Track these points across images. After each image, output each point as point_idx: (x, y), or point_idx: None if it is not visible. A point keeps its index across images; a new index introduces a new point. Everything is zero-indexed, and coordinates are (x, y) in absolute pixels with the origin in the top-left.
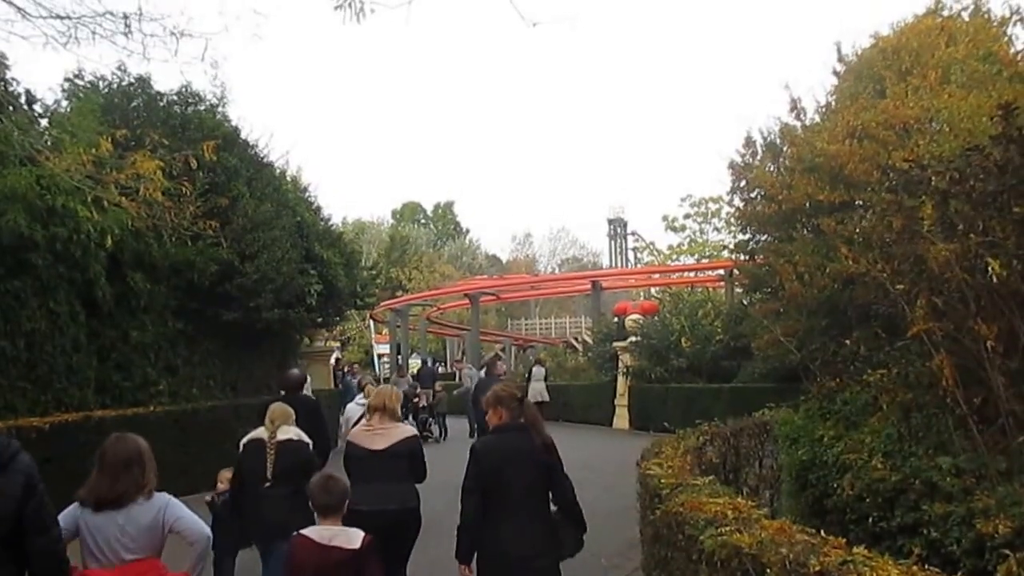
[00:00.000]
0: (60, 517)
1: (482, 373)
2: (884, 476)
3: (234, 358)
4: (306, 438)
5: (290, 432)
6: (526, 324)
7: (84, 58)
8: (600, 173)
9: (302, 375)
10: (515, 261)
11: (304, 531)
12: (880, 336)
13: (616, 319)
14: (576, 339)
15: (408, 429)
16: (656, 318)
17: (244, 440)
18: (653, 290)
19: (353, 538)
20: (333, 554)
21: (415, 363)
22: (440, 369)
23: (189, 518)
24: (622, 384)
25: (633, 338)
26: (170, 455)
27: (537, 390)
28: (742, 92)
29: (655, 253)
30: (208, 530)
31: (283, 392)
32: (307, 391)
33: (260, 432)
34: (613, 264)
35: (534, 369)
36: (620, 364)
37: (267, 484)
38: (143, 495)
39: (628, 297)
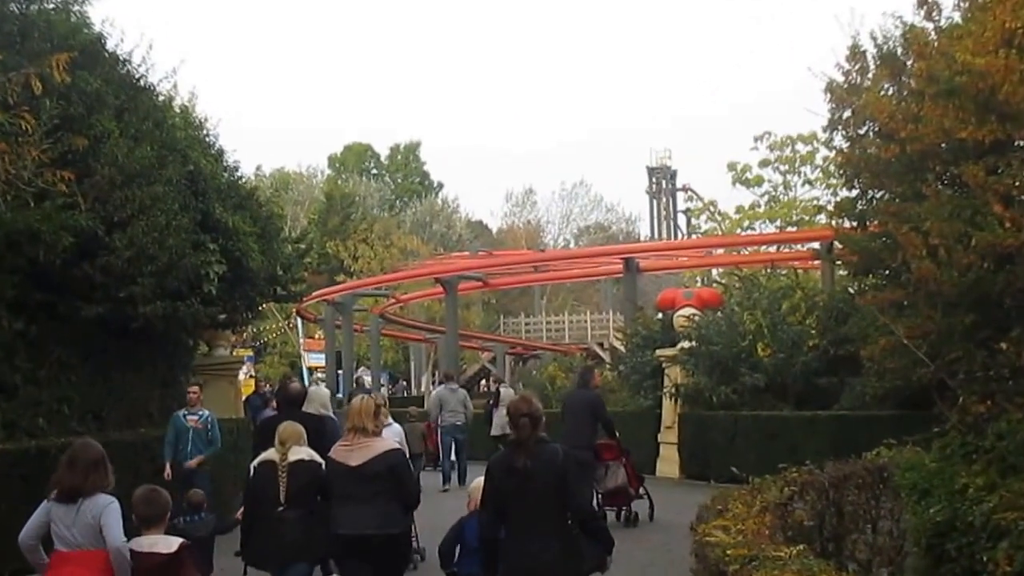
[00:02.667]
0: (37, 510)
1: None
2: None
3: (99, 373)
4: (318, 458)
5: (302, 452)
6: (527, 324)
7: None
8: (633, 101)
9: (302, 388)
10: (511, 231)
11: (128, 543)
12: None
13: (660, 315)
14: (601, 345)
15: (387, 442)
16: (720, 314)
17: (254, 463)
18: (715, 272)
19: (171, 544)
20: (153, 559)
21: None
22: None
23: (111, 527)
24: (669, 411)
25: (685, 343)
26: (6, 518)
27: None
28: None
29: (717, 218)
30: (120, 545)
31: (277, 409)
32: (316, 407)
33: (271, 454)
34: (655, 235)
35: (501, 390)
36: (667, 382)
37: (280, 507)
38: (101, 492)
39: (677, 283)
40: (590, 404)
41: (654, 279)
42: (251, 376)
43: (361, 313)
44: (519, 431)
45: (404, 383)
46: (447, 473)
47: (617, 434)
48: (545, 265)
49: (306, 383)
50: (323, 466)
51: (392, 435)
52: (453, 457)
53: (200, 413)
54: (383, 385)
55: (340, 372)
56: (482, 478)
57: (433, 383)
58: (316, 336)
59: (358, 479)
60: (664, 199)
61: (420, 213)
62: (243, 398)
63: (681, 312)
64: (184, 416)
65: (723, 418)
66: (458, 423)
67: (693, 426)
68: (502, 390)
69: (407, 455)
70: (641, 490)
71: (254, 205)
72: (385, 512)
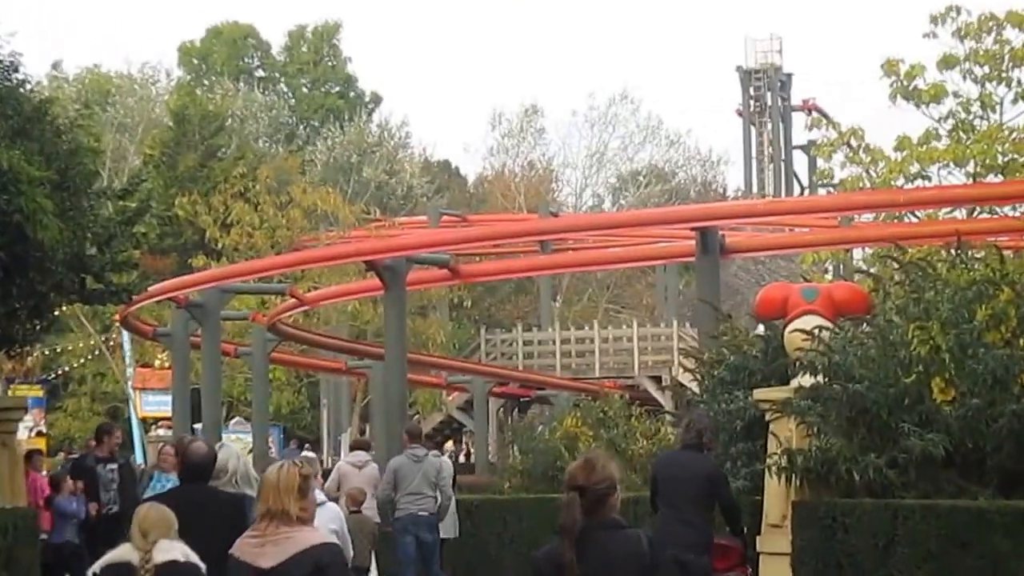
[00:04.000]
0: None
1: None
2: None
3: None
4: (196, 559)
5: (174, 551)
6: (528, 343)
7: None
8: None
9: (211, 452)
10: (499, 180)
11: None
12: None
13: (762, 329)
14: (658, 381)
15: (317, 534)
16: (866, 327)
17: (97, 568)
18: (857, 254)
19: None
20: None
21: (237, 443)
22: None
23: None
24: (777, 497)
25: (805, 379)
26: None
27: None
28: None
29: (862, 158)
30: None
31: (180, 478)
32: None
33: (124, 552)
34: (752, 188)
35: (439, 463)
36: (772, 445)
37: None
38: None
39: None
40: (706, 478)
41: (750, 266)
42: (38, 432)
43: (237, 324)
44: (564, 511)
45: (308, 447)
46: None
47: (744, 529)
48: (559, 241)
49: (139, 453)
50: (205, 570)
51: (327, 520)
52: None
53: None
54: (303, 445)
55: (198, 426)
56: None
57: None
58: (156, 363)
59: None
60: (768, 125)
61: (341, 148)
62: (41, 470)
63: (798, 324)
64: None
65: (872, 512)
66: (423, 513)
67: (819, 524)
68: (442, 463)
69: (346, 557)
70: None
71: (47, 132)
72: None
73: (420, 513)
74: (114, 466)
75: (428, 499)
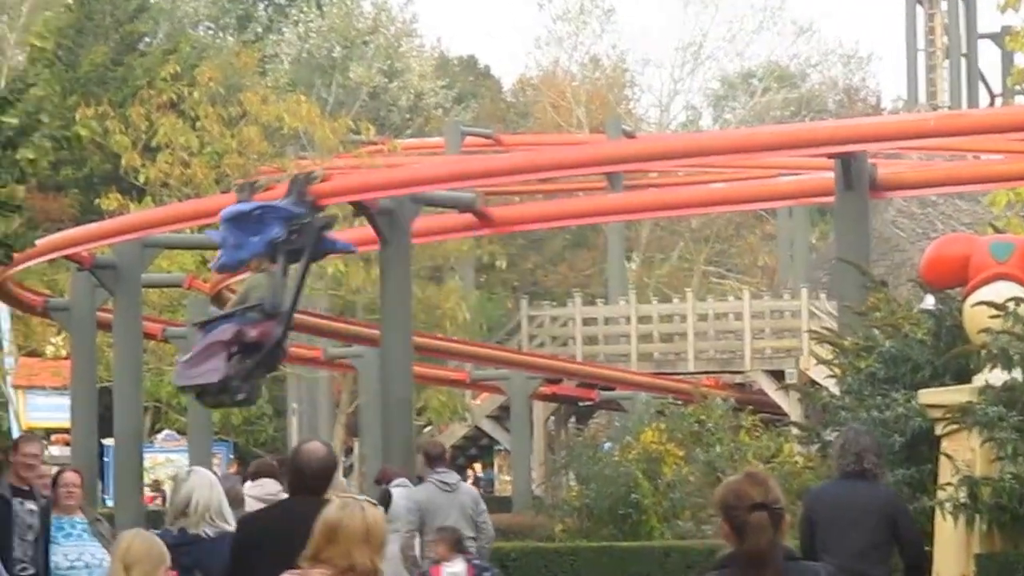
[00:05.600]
0: None
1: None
2: None
3: None
4: None
5: None
6: (589, 321)
7: None
8: None
9: (332, 455)
10: (550, 83)
11: None
12: None
13: (933, 300)
14: (779, 376)
15: None
16: None
17: None
18: None
19: None
20: None
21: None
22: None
23: None
24: (952, 543)
25: (995, 374)
26: None
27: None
28: None
29: None
30: None
31: (290, 490)
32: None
33: None
34: (916, 97)
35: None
36: (945, 471)
37: None
38: None
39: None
40: (883, 510)
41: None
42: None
43: (166, 293)
44: (754, 535)
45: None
46: None
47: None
48: (636, 174)
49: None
50: None
51: None
52: None
53: None
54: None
55: (108, 442)
56: None
57: (348, 471)
58: (48, 351)
59: None
60: (943, 4)
61: (318, 37)
62: None
63: (985, 294)
64: None
65: None
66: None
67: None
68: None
69: None
70: None
71: None
72: None
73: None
74: (33, 506)
75: (467, 542)
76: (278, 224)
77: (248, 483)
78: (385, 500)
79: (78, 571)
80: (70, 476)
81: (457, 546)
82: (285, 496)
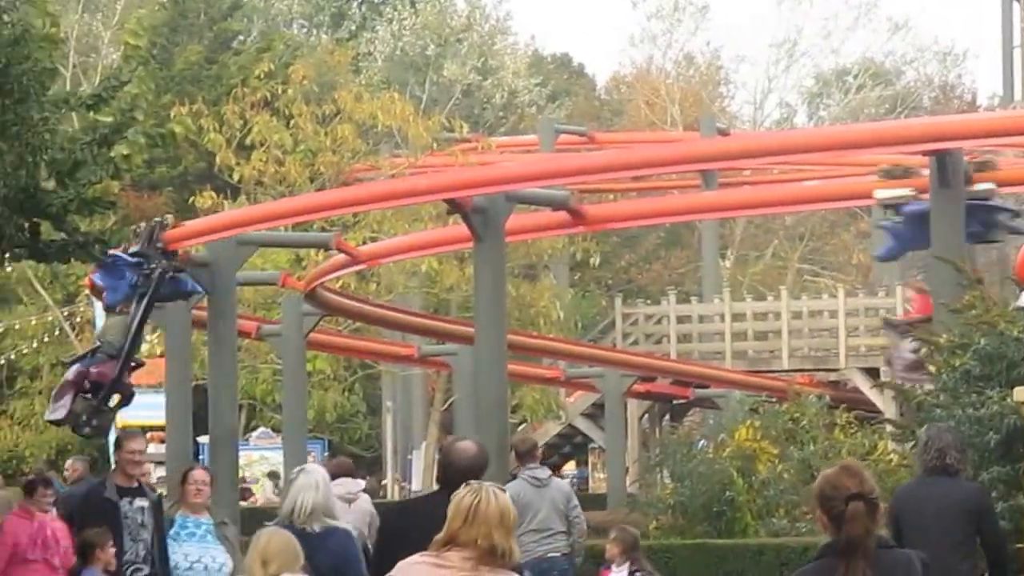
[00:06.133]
0: None
1: None
2: None
3: None
4: None
5: None
6: (682, 317)
7: None
8: None
9: (483, 452)
10: (644, 80)
11: None
12: None
13: None
14: (874, 374)
15: None
16: None
17: None
18: None
19: None
20: None
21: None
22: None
23: None
24: None
25: None
26: None
27: None
28: None
29: None
30: None
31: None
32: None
33: None
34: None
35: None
36: None
37: None
38: None
39: None
40: (963, 508)
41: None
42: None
43: (260, 292)
44: (851, 524)
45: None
46: None
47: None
48: (731, 172)
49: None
50: None
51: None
52: None
53: None
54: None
55: (203, 440)
56: None
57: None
58: (143, 349)
59: None
60: None
61: (412, 35)
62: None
63: None
64: None
65: None
66: (556, 554)
67: None
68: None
69: None
70: None
71: None
72: None
73: (552, 555)
74: (144, 502)
75: (559, 536)
76: (129, 270)
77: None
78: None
79: (196, 574)
80: (199, 473)
81: (631, 551)
82: (364, 495)
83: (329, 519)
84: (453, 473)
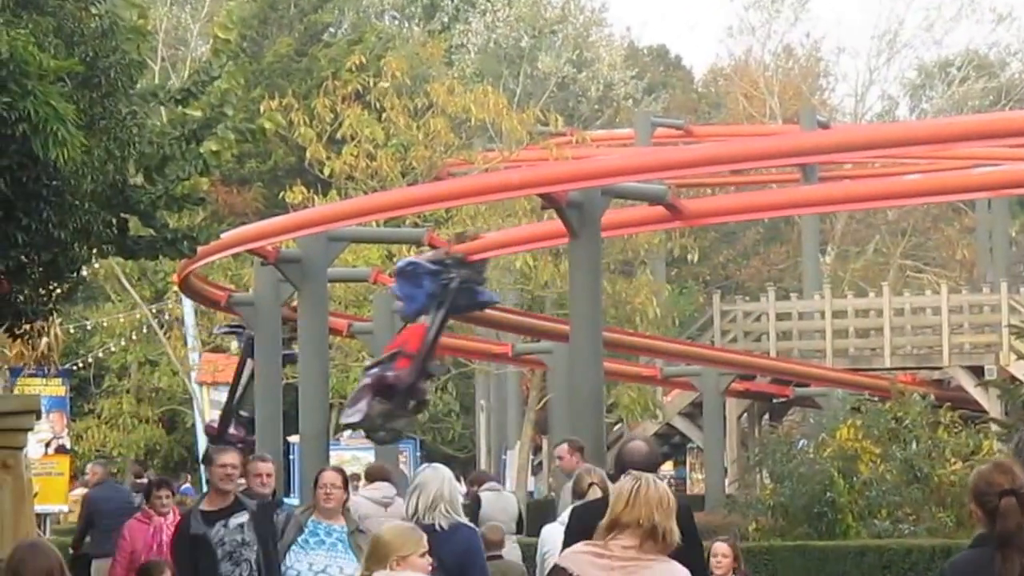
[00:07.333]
0: None
1: None
2: None
3: None
4: None
5: None
6: (782, 314)
7: None
8: None
9: (655, 452)
10: (742, 72)
11: None
12: None
13: None
14: (979, 373)
15: (678, 569)
16: None
17: None
18: None
19: None
20: None
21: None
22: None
23: None
24: None
25: None
26: None
27: None
28: None
29: None
30: None
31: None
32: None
33: None
34: None
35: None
36: None
37: None
38: None
39: None
40: None
41: None
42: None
43: (352, 288)
44: (1004, 518)
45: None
46: None
47: None
48: (831, 166)
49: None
50: None
51: None
52: None
53: None
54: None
55: (293, 439)
56: None
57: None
58: (232, 347)
59: None
60: None
61: (506, 27)
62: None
63: None
64: None
65: None
66: None
67: None
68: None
69: None
70: None
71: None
72: None
73: None
74: (242, 518)
75: None
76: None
77: (363, 486)
78: (475, 503)
79: None
80: (329, 476)
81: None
82: (399, 499)
83: (456, 515)
84: (626, 472)
